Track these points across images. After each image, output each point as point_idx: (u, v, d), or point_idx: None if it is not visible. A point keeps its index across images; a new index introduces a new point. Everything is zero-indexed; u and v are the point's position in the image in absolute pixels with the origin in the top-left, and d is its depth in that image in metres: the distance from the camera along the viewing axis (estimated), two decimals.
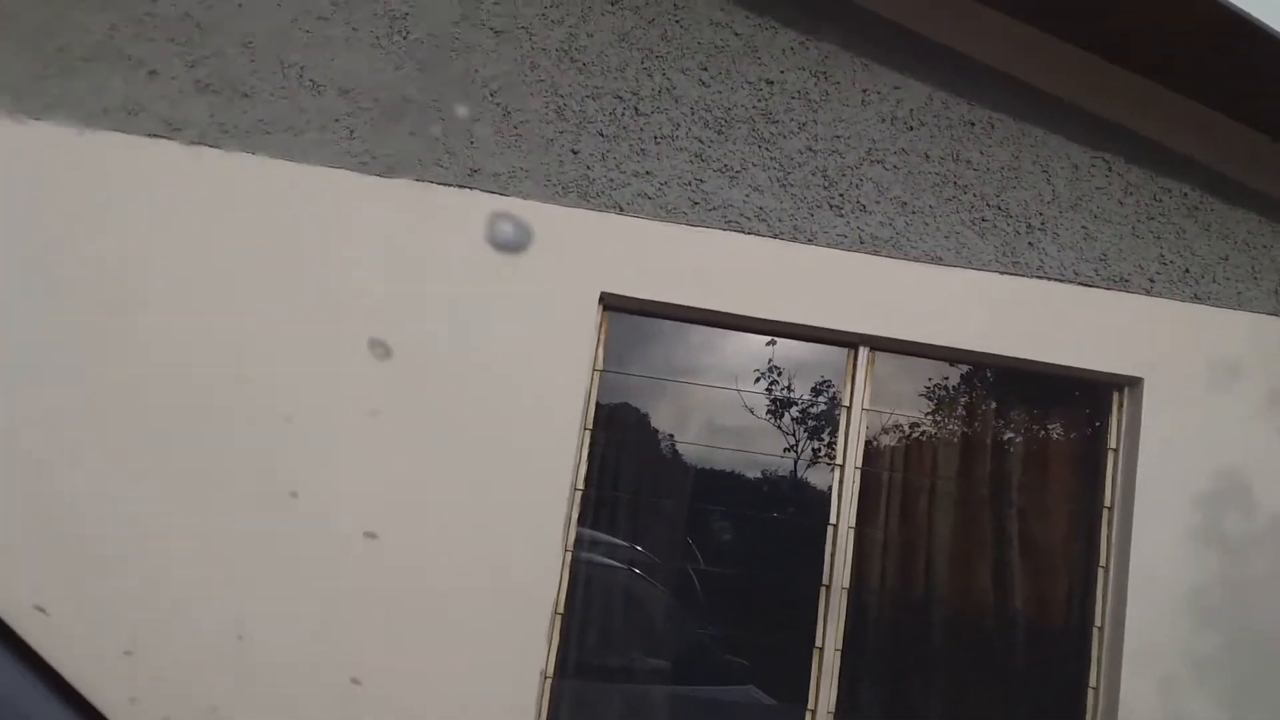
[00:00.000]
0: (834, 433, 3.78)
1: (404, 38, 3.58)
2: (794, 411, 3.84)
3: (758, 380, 3.82)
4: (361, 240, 3.41)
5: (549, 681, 3.42)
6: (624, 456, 3.71)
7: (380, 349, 3.36)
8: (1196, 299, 3.81)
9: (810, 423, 3.86)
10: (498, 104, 3.57)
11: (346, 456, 3.30)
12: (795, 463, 3.84)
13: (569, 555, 3.49)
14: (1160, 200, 3.86)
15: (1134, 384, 3.76)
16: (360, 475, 3.30)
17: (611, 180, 3.59)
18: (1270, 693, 3.61)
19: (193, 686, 3.14)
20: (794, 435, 3.85)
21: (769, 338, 3.79)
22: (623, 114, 3.63)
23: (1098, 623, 3.68)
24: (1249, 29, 3.27)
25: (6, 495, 3.15)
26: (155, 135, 3.42)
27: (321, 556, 3.26)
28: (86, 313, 3.28)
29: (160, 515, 3.20)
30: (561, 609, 3.46)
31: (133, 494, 3.21)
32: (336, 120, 3.48)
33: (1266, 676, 3.62)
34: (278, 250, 3.38)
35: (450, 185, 3.48)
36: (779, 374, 3.84)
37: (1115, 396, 3.81)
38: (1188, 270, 3.83)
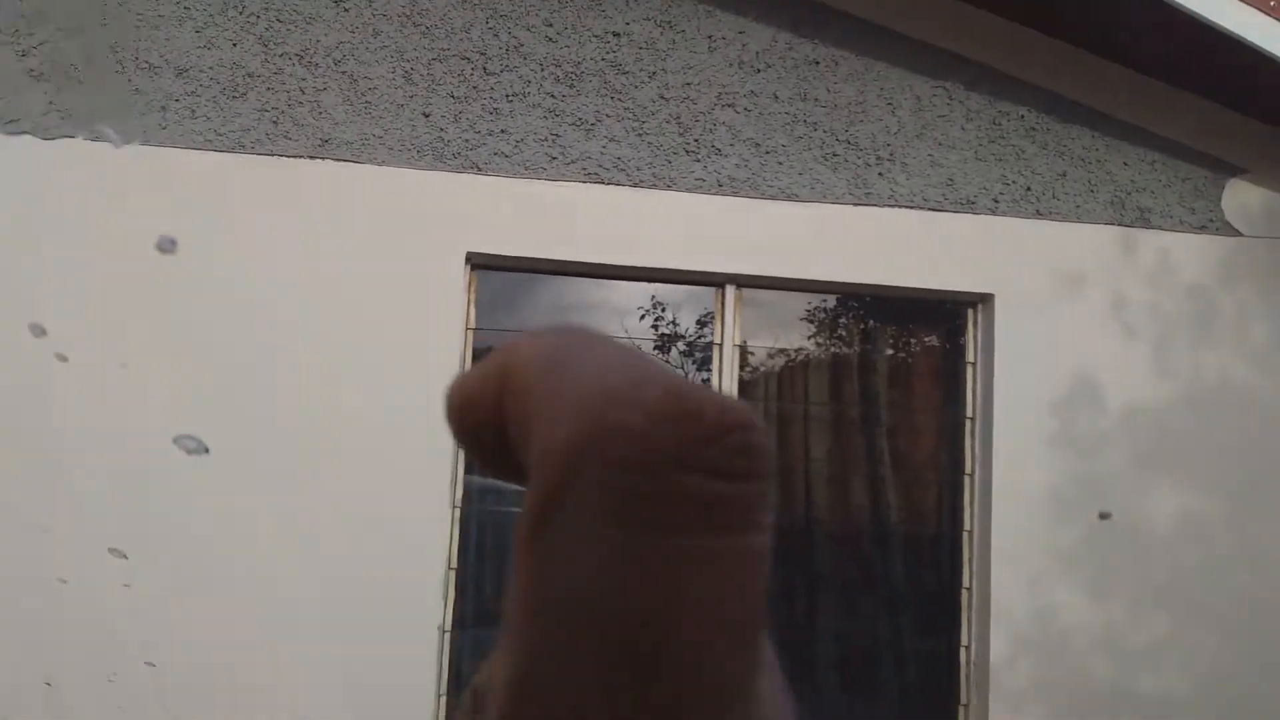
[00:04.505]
0: None
1: (239, 13, 3.54)
2: (680, 345, 3.95)
3: (642, 318, 3.92)
4: (217, 220, 3.39)
5: (447, 635, 3.51)
6: None
7: (252, 326, 3.37)
8: (1039, 215, 4.01)
9: (698, 354, 3.97)
10: (343, 73, 3.57)
11: (219, 441, 3.32)
12: None
13: (457, 511, 3.57)
14: (999, 124, 4.04)
15: (986, 300, 3.96)
16: (237, 455, 3.32)
17: (467, 141, 3.63)
18: (1128, 576, 3.89)
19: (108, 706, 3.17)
20: (683, 369, 3.95)
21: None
22: (471, 74, 3.66)
23: (967, 527, 3.91)
24: None
25: None
26: None
27: (222, 534, 3.29)
28: None
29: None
30: (454, 564, 3.54)
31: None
32: (176, 100, 3.44)
33: (1124, 562, 3.89)
34: (123, 240, 3.34)
35: (301, 157, 3.48)
36: (663, 310, 3.95)
37: (970, 314, 4.02)
38: (1029, 189, 4.03)
